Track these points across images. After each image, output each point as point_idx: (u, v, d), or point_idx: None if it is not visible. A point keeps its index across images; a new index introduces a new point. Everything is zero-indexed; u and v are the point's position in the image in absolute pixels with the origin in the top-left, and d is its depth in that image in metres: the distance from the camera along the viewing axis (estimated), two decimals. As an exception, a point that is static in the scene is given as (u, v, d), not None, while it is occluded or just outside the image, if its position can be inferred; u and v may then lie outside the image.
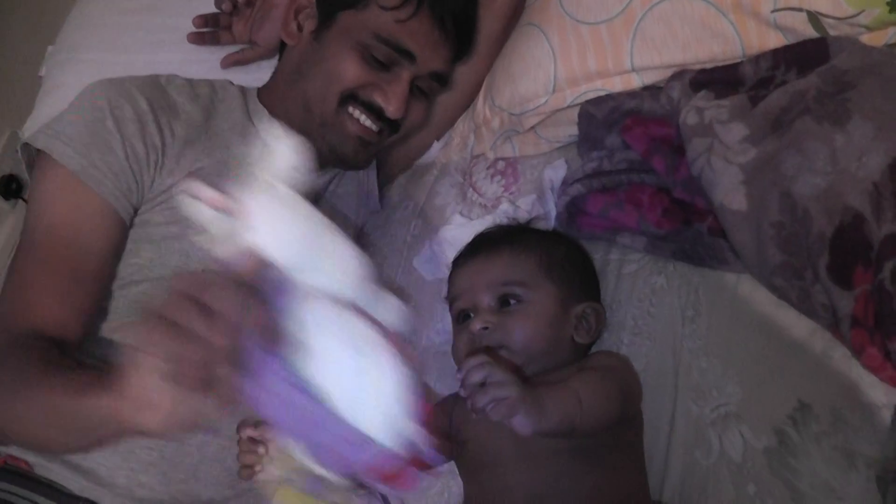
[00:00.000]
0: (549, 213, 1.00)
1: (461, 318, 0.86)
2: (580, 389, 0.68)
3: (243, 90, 1.05)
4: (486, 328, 0.81)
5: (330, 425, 0.46)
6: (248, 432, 0.70)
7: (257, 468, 0.70)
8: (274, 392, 0.46)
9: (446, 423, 0.84)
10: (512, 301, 0.83)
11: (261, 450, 0.70)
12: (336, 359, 0.46)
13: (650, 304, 0.91)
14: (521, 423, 0.60)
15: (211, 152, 0.93)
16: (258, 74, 1.13)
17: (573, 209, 0.97)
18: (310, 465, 0.48)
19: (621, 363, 0.86)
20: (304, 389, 0.46)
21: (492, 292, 0.83)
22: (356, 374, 0.45)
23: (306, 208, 0.49)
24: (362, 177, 1.16)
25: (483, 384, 0.62)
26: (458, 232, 1.02)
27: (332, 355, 0.46)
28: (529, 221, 0.99)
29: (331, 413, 0.46)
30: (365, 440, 0.46)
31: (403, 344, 0.48)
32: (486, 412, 0.60)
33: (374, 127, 1.00)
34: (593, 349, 0.91)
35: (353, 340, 0.46)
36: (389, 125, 1.02)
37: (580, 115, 1.01)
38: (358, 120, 1.00)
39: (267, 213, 0.47)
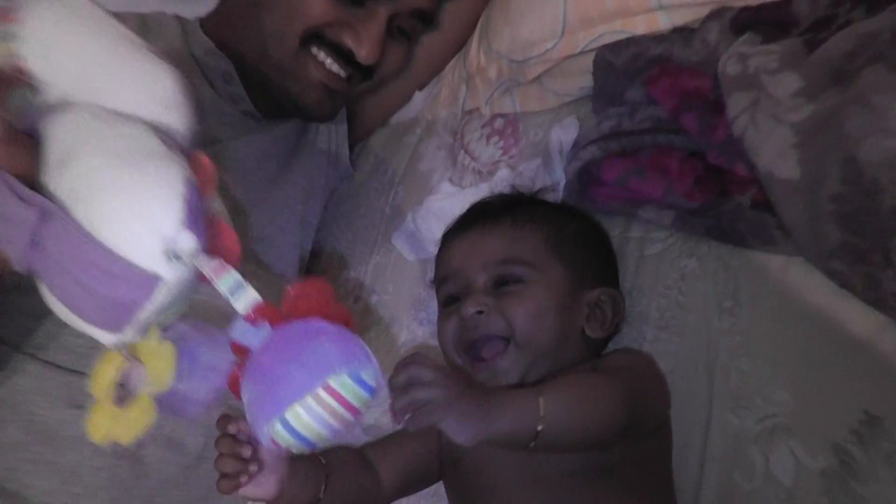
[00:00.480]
0: (556, 182, 0.95)
1: (450, 303, 0.81)
2: (546, 391, 0.62)
3: (182, 22, 0.99)
4: (480, 312, 0.76)
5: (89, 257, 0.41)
6: (232, 428, 0.62)
7: (242, 479, 0.62)
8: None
9: (435, 438, 0.79)
10: (512, 282, 0.77)
11: (246, 452, 0.62)
12: (95, 173, 0.42)
13: (679, 292, 0.85)
14: (454, 430, 0.55)
15: None
16: (202, 6, 1.05)
17: (586, 177, 0.93)
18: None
19: (641, 361, 0.79)
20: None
21: (488, 272, 0.78)
22: (117, 190, 0.41)
23: (103, 20, 0.45)
24: (331, 132, 1.10)
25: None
26: (447, 203, 0.96)
27: (90, 168, 0.42)
28: (534, 192, 0.93)
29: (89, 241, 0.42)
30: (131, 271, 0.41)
31: (200, 163, 0.44)
32: (407, 419, 0.56)
33: (341, 73, 0.95)
34: (610, 347, 0.86)
35: (119, 152, 0.42)
36: (361, 71, 0.97)
37: (595, 64, 0.97)
38: (323, 64, 0.94)
39: (43, 21, 0.44)
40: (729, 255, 0.83)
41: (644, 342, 0.86)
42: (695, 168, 0.86)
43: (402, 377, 0.57)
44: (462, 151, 1.05)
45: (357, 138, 1.17)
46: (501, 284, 0.78)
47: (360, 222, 1.10)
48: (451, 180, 1.02)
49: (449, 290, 0.82)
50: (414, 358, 0.58)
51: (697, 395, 0.80)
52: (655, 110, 0.90)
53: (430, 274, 0.94)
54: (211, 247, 0.45)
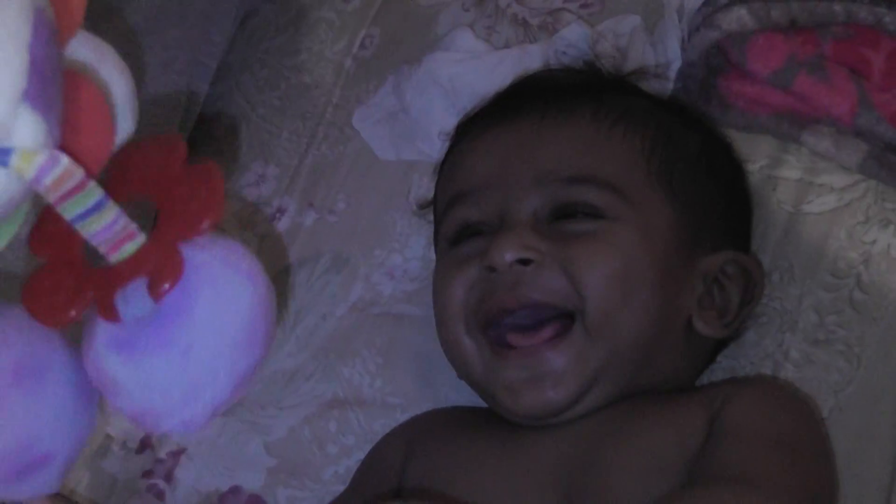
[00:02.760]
0: (666, 63, 0.83)
1: (464, 238, 0.72)
2: None
3: None
4: (526, 261, 0.67)
5: None
6: None
7: None
8: None
9: (395, 465, 0.72)
10: (583, 217, 0.70)
11: None
12: None
13: (858, 284, 0.75)
14: None
15: None
16: None
17: (719, 61, 0.80)
18: None
19: (801, 423, 0.68)
20: None
21: (545, 193, 0.70)
22: None
23: None
24: None
25: None
26: (465, 69, 0.84)
27: None
28: (624, 74, 0.81)
29: None
30: None
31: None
32: None
33: None
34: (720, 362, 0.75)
35: None
36: None
37: None
38: None
39: None
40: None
41: (784, 363, 0.74)
42: None
43: None
44: (499, -16, 0.90)
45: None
46: (564, 218, 0.69)
47: (296, 79, 0.99)
48: (473, 30, 0.88)
49: (467, 217, 0.72)
50: None
51: (872, 461, 0.71)
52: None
53: (418, 189, 0.83)
54: (70, 138, 0.45)
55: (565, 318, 0.67)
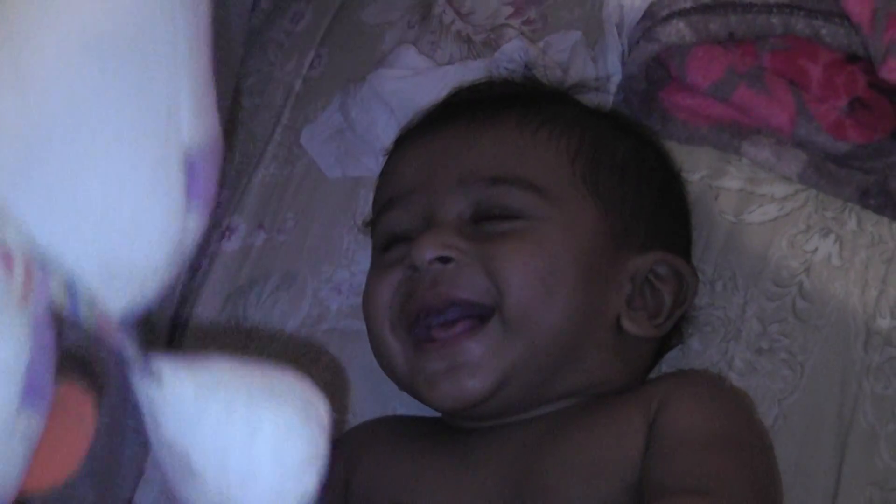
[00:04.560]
0: (606, 77, 0.84)
1: (392, 245, 0.73)
2: None
3: None
4: (446, 259, 0.68)
5: None
6: None
7: None
8: None
9: (337, 480, 0.72)
10: (505, 218, 0.70)
11: None
12: None
13: (800, 293, 0.76)
14: None
15: None
16: None
17: (659, 74, 0.81)
18: None
19: (741, 420, 0.69)
20: None
21: (468, 194, 0.71)
22: None
23: None
24: None
25: None
26: (408, 85, 0.84)
27: None
28: (564, 88, 0.81)
29: None
30: None
31: None
32: None
33: None
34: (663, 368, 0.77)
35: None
36: None
37: None
38: None
39: None
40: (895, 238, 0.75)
41: (728, 372, 0.74)
42: (853, 83, 0.76)
43: None
44: (444, 1, 0.92)
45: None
46: (486, 219, 0.70)
47: (247, 101, 0.99)
48: (417, 46, 0.89)
49: (394, 224, 0.73)
50: None
51: (817, 469, 0.72)
52: (798, -29, 0.73)
53: (365, 205, 0.82)
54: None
55: (484, 315, 0.67)
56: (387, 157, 0.78)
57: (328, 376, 0.81)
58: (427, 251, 0.68)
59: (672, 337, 0.74)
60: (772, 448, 0.70)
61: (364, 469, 0.71)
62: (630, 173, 0.73)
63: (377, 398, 0.75)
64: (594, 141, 0.73)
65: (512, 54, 0.82)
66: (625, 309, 0.69)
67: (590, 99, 0.80)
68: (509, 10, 0.88)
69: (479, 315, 0.67)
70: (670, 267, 0.71)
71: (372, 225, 0.76)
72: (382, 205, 0.74)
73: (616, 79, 0.82)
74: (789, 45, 0.77)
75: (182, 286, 0.85)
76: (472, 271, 0.68)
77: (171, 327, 0.83)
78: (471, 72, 0.83)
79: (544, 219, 0.69)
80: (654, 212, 0.73)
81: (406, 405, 0.72)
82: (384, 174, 0.77)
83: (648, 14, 0.79)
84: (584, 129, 0.72)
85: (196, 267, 0.86)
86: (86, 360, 0.47)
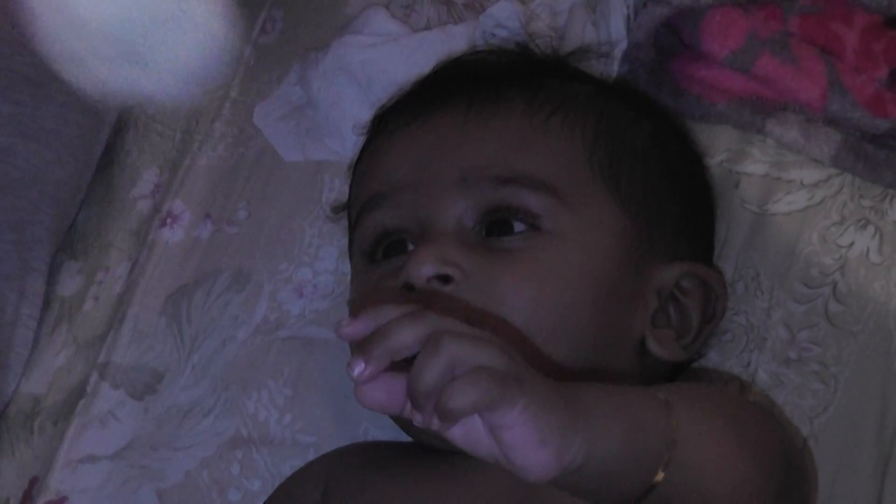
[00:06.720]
0: (610, 43, 0.80)
1: (383, 252, 0.70)
2: (671, 398, 0.55)
3: None
4: (446, 278, 0.65)
5: None
6: None
7: None
8: None
9: (311, 499, 0.69)
10: (518, 226, 0.67)
11: None
12: None
13: (833, 295, 0.73)
14: (526, 442, 0.47)
15: None
16: None
17: (670, 41, 0.78)
18: None
19: (747, 416, 0.64)
20: None
21: (472, 196, 0.68)
22: None
23: None
24: None
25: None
26: (380, 54, 0.80)
27: None
28: (568, 54, 0.77)
29: None
30: None
31: None
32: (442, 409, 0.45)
33: None
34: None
35: None
36: None
37: None
38: None
39: None
40: (945, 232, 0.76)
41: (756, 379, 0.72)
42: (894, 50, 0.73)
43: (437, 366, 0.46)
44: (420, -44, 0.88)
45: None
46: (493, 226, 0.67)
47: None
48: (389, 9, 0.83)
49: (383, 223, 0.69)
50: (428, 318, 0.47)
51: (852, 497, 0.69)
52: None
53: (330, 193, 0.80)
54: None
55: None
56: (364, 141, 0.75)
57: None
58: (424, 267, 0.64)
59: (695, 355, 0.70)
60: (790, 446, 0.64)
61: (340, 497, 0.67)
62: (651, 165, 0.70)
63: (345, 418, 0.72)
64: (612, 128, 0.69)
65: (500, 18, 0.77)
66: (650, 329, 0.67)
67: (591, 68, 0.76)
68: (499, -34, 0.81)
69: None
70: (697, 278, 0.68)
71: (351, 223, 0.73)
72: (366, 201, 0.71)
73: (621, 46, 0.78)
74: (820, 7, 0.74)
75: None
76: (473, 297, 0.65)
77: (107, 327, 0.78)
78: (453, 39, 0.80)
79: (560, 232, 0.66)
80: (679, 211, 0.70)
81: (378, 426, 0.70)
82: (366, 164, 0.73)
83: (656, -28, 0.71)
84: (600, 114, 0.69)
85: (133, 260, 0.80)
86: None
